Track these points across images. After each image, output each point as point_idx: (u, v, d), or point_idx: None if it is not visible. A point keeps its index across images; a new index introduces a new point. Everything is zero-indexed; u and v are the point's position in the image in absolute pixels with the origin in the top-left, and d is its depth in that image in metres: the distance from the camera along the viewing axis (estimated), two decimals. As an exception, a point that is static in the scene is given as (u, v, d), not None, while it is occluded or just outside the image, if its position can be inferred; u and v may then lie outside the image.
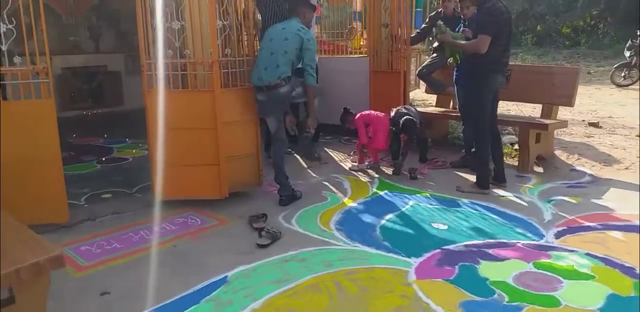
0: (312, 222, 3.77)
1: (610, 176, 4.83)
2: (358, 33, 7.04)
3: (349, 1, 7.29)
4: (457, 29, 4.59)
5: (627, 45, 11.22)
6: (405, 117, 4.74)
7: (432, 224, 3.69)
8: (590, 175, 4.87)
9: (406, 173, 4.89)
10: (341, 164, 5.39)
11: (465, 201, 4.19)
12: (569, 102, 5.10)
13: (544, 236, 3.48)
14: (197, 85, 3.90)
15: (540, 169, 5.10)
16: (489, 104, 4.25)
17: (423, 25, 5.86)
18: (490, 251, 3.24)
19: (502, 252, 3.22)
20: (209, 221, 3.83)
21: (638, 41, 10.93)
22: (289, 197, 4.13)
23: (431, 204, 4.12)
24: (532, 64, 12.78)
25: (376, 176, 4.94)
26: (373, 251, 3.27)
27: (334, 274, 2.97)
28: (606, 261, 3.08)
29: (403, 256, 3.18)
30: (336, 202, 4.20)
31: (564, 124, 5.23)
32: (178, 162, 3.94)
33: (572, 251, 3.24)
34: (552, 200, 4.19)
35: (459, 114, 5.50)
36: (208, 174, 3.97)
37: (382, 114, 5.10)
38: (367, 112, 5.17)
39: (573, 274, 2.93)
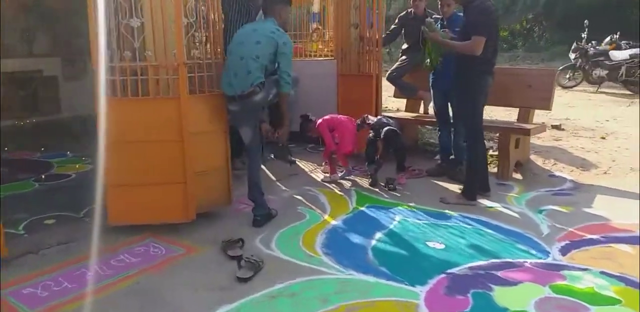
0: (295, 245, 3.34)
1: (591, 182, 4.68)
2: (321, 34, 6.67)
3: (310, 1, 6.88)
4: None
5: (572, 47, 11.39)
6: (387, 128, 4.43)
7: (428, 243, 3.35)
8: (571, 181, 4.71)
9: (383, 184, 4.54)
10: (312, 175, 4.99)
11: (454, 213, 3.88)
12: (547, 105, 4.91)
13: (549, 252, 3.21)
14: (159, 91, 3.39)
15: (519, 176, 4.89)
16: (482, 107, 3.97)
17: (393, 26, 5.54)
18: (499, 274, 2.92)
19: (512, 275, 2.91)
20: (174, 249, 3.31)
21: (583, 43, 11.13)
22: (264, 217, 3.68)
23: (419, 219, 3.78)
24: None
25: (352, 188, 4.56)
26: (371, 279, 2.88)
27: (332, 311, 2.56)
28: (625, 281, 2.82)
29: (406, 285, 2.80)
30: (316, 220, 3.78)
31: (543, 128, 5.05)
32: (136, 181, 3.41)
33: (584, 269, 2.98)
34: (542, 210, 3.96)
35: (432, 119, 5.23)
36: (172, 194, 3.46)
37: (344, 117, 4.78)
38: (328, 116, 4.83)
39: (597, 299, 2.65)
